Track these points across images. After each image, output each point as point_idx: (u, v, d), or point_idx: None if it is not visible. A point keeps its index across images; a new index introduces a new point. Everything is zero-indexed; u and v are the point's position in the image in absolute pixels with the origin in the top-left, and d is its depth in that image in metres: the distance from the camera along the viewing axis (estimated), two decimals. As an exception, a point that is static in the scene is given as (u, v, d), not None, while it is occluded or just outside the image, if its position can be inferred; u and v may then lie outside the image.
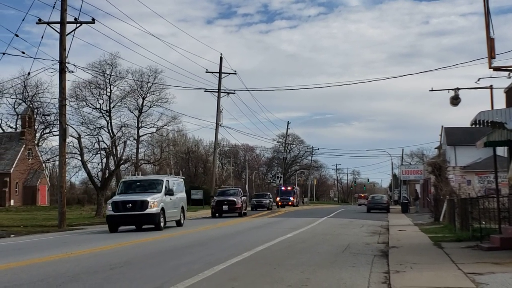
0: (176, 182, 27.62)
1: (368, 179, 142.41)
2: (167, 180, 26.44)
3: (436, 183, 31.99)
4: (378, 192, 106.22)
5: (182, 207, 27.83)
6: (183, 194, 29.16)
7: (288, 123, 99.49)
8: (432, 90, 31.10)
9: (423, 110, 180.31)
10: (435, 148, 66.79)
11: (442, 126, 55.33)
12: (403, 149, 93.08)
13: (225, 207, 40.54)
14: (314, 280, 10.15)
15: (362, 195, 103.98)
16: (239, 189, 46.31)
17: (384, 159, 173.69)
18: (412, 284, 9.36)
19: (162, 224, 24.23)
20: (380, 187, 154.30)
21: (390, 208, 54.10)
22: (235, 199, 41.27)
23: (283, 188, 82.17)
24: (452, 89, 28.63)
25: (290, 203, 76.04)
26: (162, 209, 24.38)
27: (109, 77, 77.82)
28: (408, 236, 20.35)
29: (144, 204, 23.66)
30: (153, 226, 24.01)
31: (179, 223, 27.04)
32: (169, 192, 25.73)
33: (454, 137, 50.61)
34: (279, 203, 72.82)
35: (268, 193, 68.79)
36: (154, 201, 23.98)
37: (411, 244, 16.93)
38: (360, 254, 14.45)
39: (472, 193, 27.17)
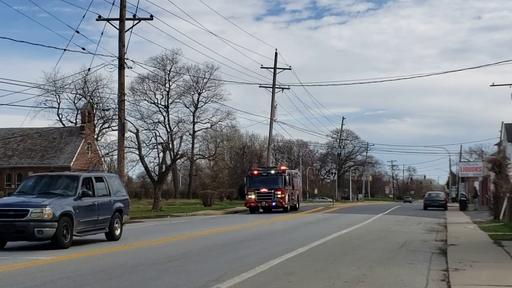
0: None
1: (424, 176, 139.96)
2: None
3: (496, 180, 31.23)
4: (435, 189, 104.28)
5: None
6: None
7: (343, 118, 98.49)
8: (493, 85, 30.36)
9: (479, 105, 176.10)
10: (495, 144, 65.09)
11: (502, 122, 53.88)
12: (461, 146, 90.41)
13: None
14: (370, 276, 10.07)
15: None
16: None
17: (441, 155, 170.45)
18: (472, 282, 9.18)
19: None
20: (437, 184, 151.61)
21: (448, 206, 53.04)
22: None
23: (254, 171, 39.75)
24: (514, 84, 27.90)
25: (277, 204, 36.91)
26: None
27: (168, 72, 79.39)
28: (466, 234, 19.93)
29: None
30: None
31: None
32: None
33: (515, 133, 49.22)
34: (252, 205, 37.50)
35: None
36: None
37: (470, 242, 16.59)
38: (417, 252, 14.25)
39: (534, 191, 26.38)
